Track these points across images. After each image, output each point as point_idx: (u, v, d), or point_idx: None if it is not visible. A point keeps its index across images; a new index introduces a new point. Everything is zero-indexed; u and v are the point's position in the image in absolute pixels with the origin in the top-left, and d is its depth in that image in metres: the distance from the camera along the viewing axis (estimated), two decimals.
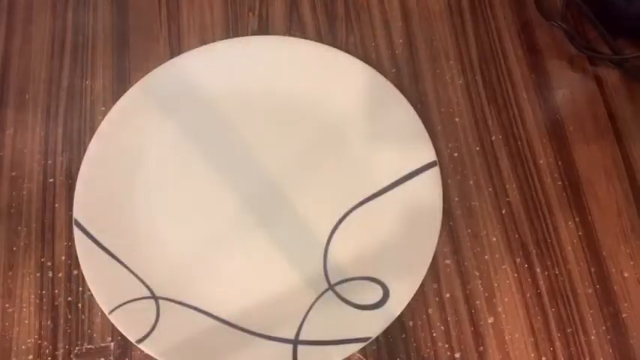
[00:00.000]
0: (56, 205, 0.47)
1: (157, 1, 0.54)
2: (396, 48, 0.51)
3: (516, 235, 0.45)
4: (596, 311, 0.42)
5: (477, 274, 0.44)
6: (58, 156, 0.49)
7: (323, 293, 0.43)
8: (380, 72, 0.48)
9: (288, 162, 0.47)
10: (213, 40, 0.51)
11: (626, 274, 0.43)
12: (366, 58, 0.50)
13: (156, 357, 0.41)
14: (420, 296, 0.43)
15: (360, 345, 0.40)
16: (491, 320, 0.42)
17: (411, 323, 0.43)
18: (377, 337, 0.42)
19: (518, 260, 0.44)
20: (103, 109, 0.50)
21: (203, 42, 0.51)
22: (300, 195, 0.46)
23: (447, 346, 0.42)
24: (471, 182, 0.46)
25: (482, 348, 0.42)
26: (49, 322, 0.44)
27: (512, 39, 0.51)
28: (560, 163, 0.47)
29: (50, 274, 0.45)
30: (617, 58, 0.48)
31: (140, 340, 0.41)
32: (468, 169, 0.47)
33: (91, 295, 0.43)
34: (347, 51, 0.49)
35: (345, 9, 0.53)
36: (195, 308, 0.42)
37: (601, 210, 0.45)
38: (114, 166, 0.46)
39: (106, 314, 0.42)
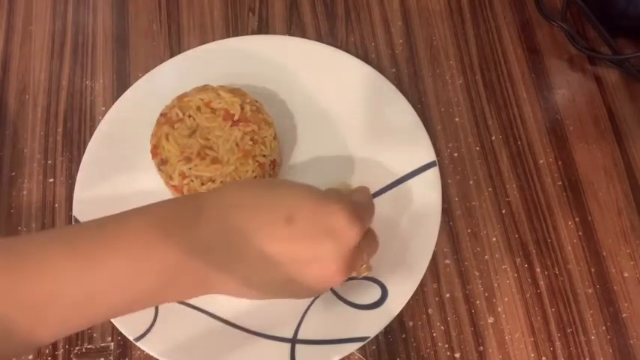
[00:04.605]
0: (56, 205, 0.47)
1: (157, 1, 0.54)
2: (396, 48, 0.51)
3: (516, 235, 0.45)
4: (596, 311, 0.42)
5: (477, 274, 0.44)
6: (58, 156, 0.49)
7: None
8: (380, 72, 0.48)
9: (287, 161, 0.47)
10: (213, 40, 0.51)
11: (626, 274, 0.43)
12: (366, 58, 0.50)
13: (154, 355, 0.40)
14: (420, 296, 0.43)
15: (358, 344, 0.40)
16: (491, 320, 0.42)
17: (410, 323, 0.43)
18: (377, 337, 0.42)
19: (518, 260, 0.44)
20: (103, 109, 0.50)
21: (203, 42, 0.51)
22: None
23: (447, 346, 0.42)
24: (471, 182, 0.46)
25: (482, 348, 0.42)
26: None
27: (512, 39, 0.51)
28: (560, 163, 0.46)
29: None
30: (617, 58, 0.48)
31: (138, 338, 0.41)
32: (468, 169, 0.47)
33: None
34: (347, 51, 0.49)
35: (345, 9, 0.53)
36: (194, 307, 0.42)
37: (601, 210, 0.45)
38: (114, 165, 0.46)
39: None
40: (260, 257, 0.31)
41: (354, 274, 0.36)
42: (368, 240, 0.36)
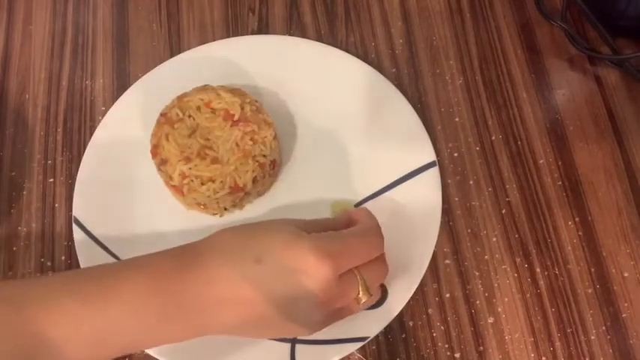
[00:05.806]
0: (56, 205, 0.47)
1: (157, 1, 0.54)
2: (396, 48, 0.51)
3: (516, 235, 0.45)
4: (596, 311, 0.42)
5: (477, 274, 0.44)
6: (58, 156, 0.49)
7: None
8: (380, 72, 0.48)
9: (287, 161, 0.47)
10: (213, 40, 0.51)
11: (626, 274, 0.43)
12: (366, 58, 0.50)
13: (154, 355, 0.40)
14: (420, 296, 0.43)
15: (359, 344, 0.40)
16: (491, 320, 0.42)
17: (411, 323, 0.43)
18: (377, 337, 0.42)
19: (518, 260, 0.44)
20: (103, 108, 0.50)
21: (203, 42, 0.51)
22: (299, 194, 0.46)
23: (447, 346, 0.42)
24: (471, 182, 0.46)
25: (482, 348, 0.42)
26: None
27: (512, 39, 0.51)
28: (560, 163, 0.46)
29: (50, 274, 0.45)
30: (617, 58, 0.48)
31: None
32: (468, 169, 0.47)
33: None
34: (347, 51, 0.49)
35: (345, 9, 0.53)
36: None
37: (601, 210, 0.45)
38: (114, 165, 0.46)
39: None
40: (235, 299, 0.33)
41: (361, 305, 0.36)
42: (368, 269, 0.36)
